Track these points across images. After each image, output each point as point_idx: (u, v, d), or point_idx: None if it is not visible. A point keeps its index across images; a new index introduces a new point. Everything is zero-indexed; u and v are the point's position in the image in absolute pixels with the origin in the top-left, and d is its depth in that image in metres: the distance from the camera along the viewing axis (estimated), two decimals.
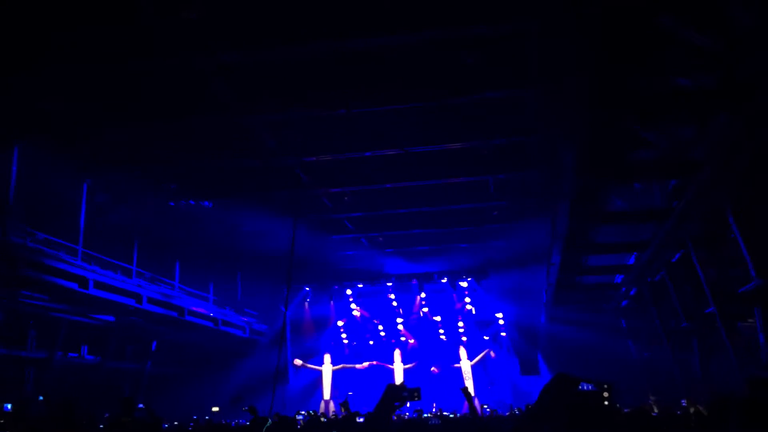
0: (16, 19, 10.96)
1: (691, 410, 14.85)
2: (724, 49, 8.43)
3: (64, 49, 11.78)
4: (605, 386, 2.78)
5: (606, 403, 2.76)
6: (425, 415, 19.81)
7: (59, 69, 12.42)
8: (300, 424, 14.66)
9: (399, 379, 30.60)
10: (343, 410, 13.30)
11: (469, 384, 29.91)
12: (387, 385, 4.84)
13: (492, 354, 30.90)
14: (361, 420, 11.75)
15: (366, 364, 31.91)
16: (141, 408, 10.66)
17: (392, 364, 31.53)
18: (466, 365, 30.56)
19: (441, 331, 31.52)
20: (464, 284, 29.47)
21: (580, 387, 2.80)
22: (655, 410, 16.20)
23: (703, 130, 10.74)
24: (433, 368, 31.23)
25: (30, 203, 15.96)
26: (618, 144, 11.69)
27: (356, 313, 31.71)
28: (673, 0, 8.20)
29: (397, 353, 31.66)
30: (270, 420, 10.15)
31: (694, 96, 10.03)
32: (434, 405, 25.71)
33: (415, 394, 4.16)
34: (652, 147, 12.10)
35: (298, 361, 31.37)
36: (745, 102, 8.86)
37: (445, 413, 21.96)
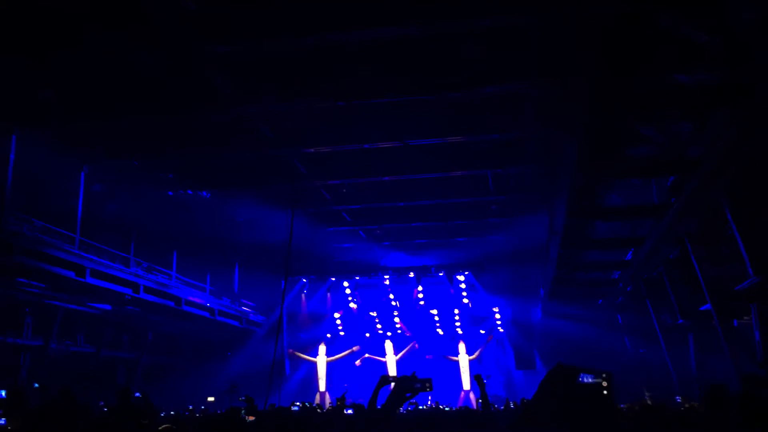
0: (15, 8, 10.92)
1: (686, 406, 14.91)
2: (725, 46, 8.42)
3: (63, 38, 11.75)
4: (604, 375, 2.78)
5: (605, 392, 2.76)
6: (421, 407, 19.83)
7: (58, 58, 12.39)
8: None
9: (392, 370, 30.66)
10: (339, 404, 13.29)
11: (466, 378, 29.98)
12: (382, 376, 4.84)
13: (490, 337, 30.89)
14: (350, 412, 11.75)
15: (356, 348, 31.97)
16: (138, 397, 10.69)
17: (384, 357, 31.58)
18: (464, 359, 30.62)
19: (437, 324, 31.61)
20: (461, 278, 29.52)
21: (579, 378, 2.79)
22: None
23: (702, 127, 10.75)
24: (427, 356, 31.37)
25: (27, 191, 15.94)
26: (617, 140, 11.70)
27: (353, 305, 31.75)
28: None
29: (388, 344, 31.70)
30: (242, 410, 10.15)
31: (694, 93, 10.03)
32: (429, 398, 25.77)
33: (427, 384, 4.14)
34: (651, 143, 12.10)
35: (290, 351, 31.40)
36: (744, 99, 8.86)
37: (441, 406, 22.00)
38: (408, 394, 4.02)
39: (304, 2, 11.08)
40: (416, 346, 31.81)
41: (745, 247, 11.50)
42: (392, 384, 5.66)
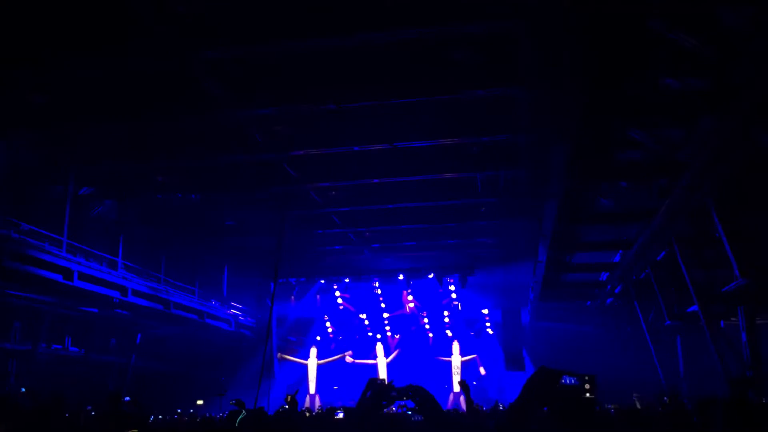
0: (5, 14, 10.88)
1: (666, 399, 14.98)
2: (714, 52, 8.50)
3: (51, 42, 11.70)
4: (587, 378, 2.81)
5: (588, 395, 2.79)
6: (408, 411, 19.81)
7: (47, 61, 12.34)
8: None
9: (382, 373, 30.61)
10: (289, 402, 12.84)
11: (457, 379, 29.99)
12: (370, 379, 4.83)
13: (481, 370, 30.85)
14: (341, 416, 11.65)
15: (350, 353, 31.85)
16: (127, 401, 10.62)
17: (375, 359, 31.54)
18: (456, 360, 30.62)
19: (427, 326, 31.62)
20: (451, 280, 29.53)
21: (562, 380, 2.83)
22: (638, 406, 16.35)
23: (690, 132, 10.83)
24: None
25: (14, 194, 15.85)
26: (606, 144, 11.77)
27: (342, 307, 31.71)
28: (663, 3, 8.25)
29: (379, 347, 31.67)
30: (243, 412, 10.11)
31: (683, 98, 10.10)
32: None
33: (404, 395, 4.15)
34: (639, 147, 12.18)
35: (279, 355, 31.29)
36: (732, 105, 8.94)
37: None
38: (384, 402, 4.03)
39: (294, 8, 11.09)
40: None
41: (731, 250, 11.60)
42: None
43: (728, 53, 8.28)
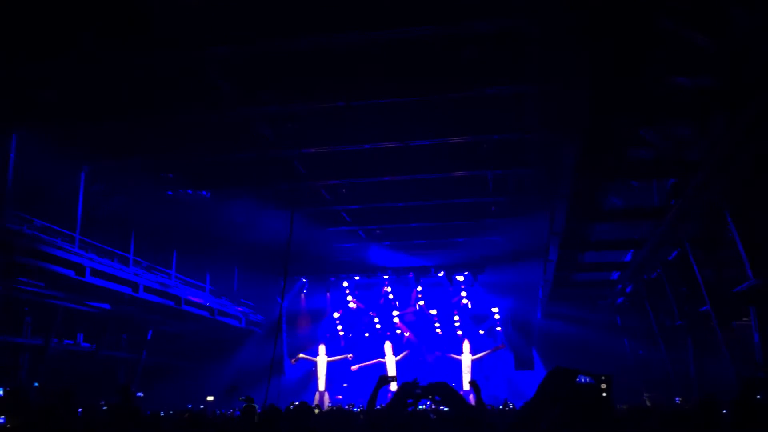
0: (15, 9, 10.94)
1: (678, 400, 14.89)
2: (725, 49, 8.43)
3: (63, 38, 11.76)
4: (603, 378, 2.79)
5: (604, 395, 2.77)
6: (420, 407, 19.81)
7: (58, 58, 12.40)
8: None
9: (392, 371, 30.58)
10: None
11: (466, 378, 29.95)
12: (380, 377, 4.84)
13: (501, 346, 30.69)
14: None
15: (350, 356, 31.61)
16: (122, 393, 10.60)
17: (383, 358, 31.50)
18: (467, 359, 30.54)
19: (437, 324, 31.59)
20: (461, 278, 29.50)
21: (578, 380, 2.81)
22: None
23: (701, 130, 10.76)
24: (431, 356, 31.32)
25: (27, 190, 15.95)
26: (617, 143, 11.70)
27: (352, 305, 31.73)
28: (674, 1, 8.20)
29: (387, 345, 31.60)
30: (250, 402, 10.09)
31: (694, 96, 10.05)
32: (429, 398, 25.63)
33: (429, 392, 4.14)
34: (650, 146, 12.12)
35: (299, 356, 31.03)
36: (744, 103, 8.86)
37: (441, 408, 21.97)
38: (410, 401, 4.01)
39: (306, 3, 11.10)
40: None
41: (744, 249, 11.51)
42: (391, 384, 5.62)
43: (740, 51, 8.22)
